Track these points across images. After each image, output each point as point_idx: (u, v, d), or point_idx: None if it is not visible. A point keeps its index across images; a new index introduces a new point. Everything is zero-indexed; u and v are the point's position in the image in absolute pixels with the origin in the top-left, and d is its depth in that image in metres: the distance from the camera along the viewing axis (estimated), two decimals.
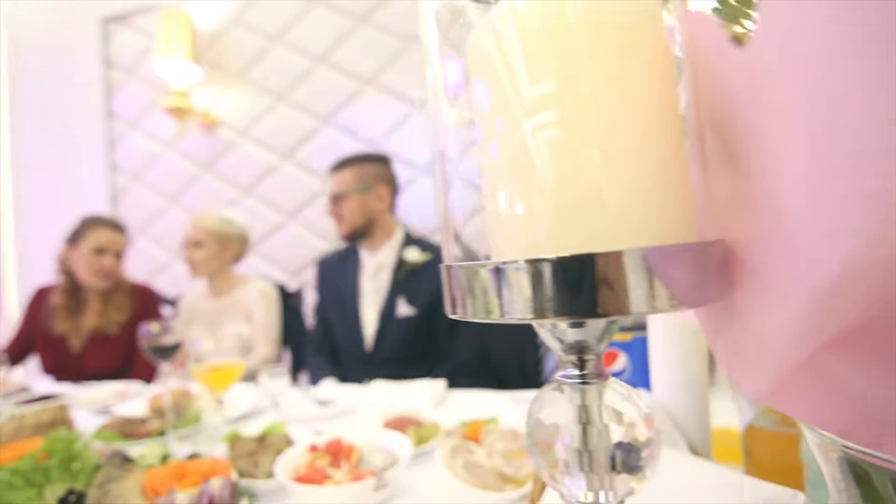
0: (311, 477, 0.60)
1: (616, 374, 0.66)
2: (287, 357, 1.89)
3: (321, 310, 1.67)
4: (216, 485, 0.54)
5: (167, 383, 0.88)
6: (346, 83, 2.35)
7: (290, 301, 1.89)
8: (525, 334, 1.35)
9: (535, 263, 0.18)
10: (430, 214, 2.16)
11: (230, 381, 0.82)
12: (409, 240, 1.57)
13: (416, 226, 2.21)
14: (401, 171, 2.25)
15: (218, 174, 2.54)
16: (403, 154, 2.26)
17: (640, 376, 0.63)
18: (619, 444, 0.22)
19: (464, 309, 0.21)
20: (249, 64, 2.49)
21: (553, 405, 0.23)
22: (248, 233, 1.84)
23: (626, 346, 0.64)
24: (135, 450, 0.73)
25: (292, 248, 2.45)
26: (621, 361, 0.64)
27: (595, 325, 0.22)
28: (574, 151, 0.19)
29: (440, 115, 0.24)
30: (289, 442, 0.75)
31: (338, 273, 1.63)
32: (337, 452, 0.67)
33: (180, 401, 0.98)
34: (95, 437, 0.81)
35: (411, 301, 1.46)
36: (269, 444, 0.74)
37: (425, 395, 0.95)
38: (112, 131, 2.71)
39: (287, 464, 0.63)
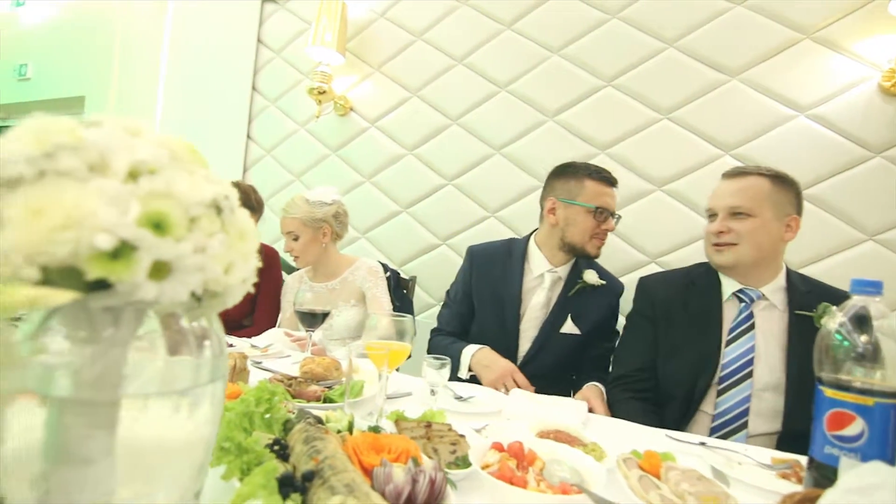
0: (508, 477, 0.58)
1: (850, 440, 0.59)
2: None
3: (466, 298, 1.60)
4: (430, 466, 0.54)
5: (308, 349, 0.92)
6: (481, 86, 2.36)
7: (402, 286, 1.93)
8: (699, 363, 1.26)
9: None
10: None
11: (398, 361, 0.84)
12: (585, 261, 1.55)
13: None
14: (524, 181, 2.25)
15: (344, 157, 2.65)
16: (528, 163, 2.25)
17: (878, 447, 0.57)
18: None
19: None
20: (390, 56, 2.58)
21: None
22: (342, 207, 1.82)
23: (864, 410, 0.57)
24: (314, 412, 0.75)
25: (401, 239, 2.50)
26: (857, 426, 0.57)
27: None
28: None
29: None
30: (457, 434, 0.74)
31: (498, 272, 1.56)
32: (520, 456, 0.65)
33: (329, 369, 1.02)
34: None
35: (577, 320, 1.45)
36: (438, 433, 0.74)
37: (574, 413, 0.92)
38: (253, 105, 2.91)
39: (475, 458, 0.63)
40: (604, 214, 1.47)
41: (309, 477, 0.53)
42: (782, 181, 1.25)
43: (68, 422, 0.33)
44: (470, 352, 1.39)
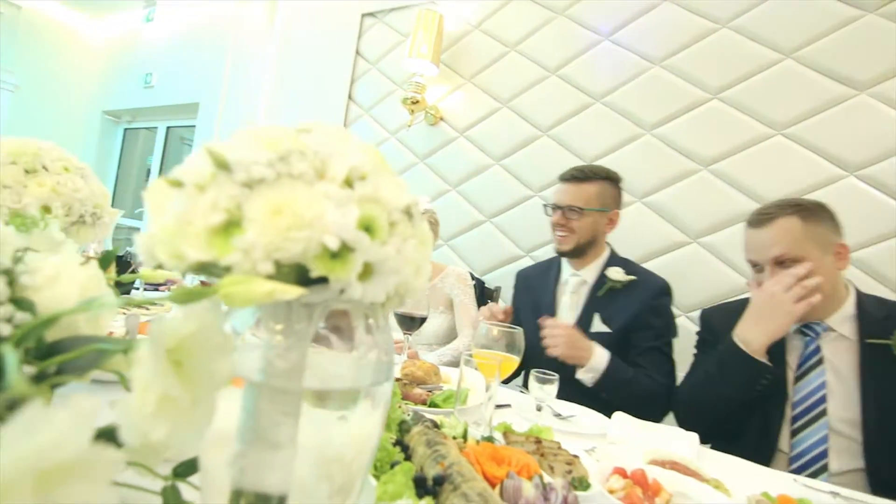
0: None
1: None
2: None
3: (514, 318, 1.65)
4: (560, 485, 0.52)
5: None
6: (574, 97, 2.32)
7: (487, 296, 1.93)
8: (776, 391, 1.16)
9: None
10: (634, 241, 2.03)
11: (506, 372, 0.83)
12: (614, 259, 1.55)
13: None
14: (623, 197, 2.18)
15: (431, 165, 2.70)
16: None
17: None
18: None
19: None
20: (482, 67, 2.60)
21: None
22: (433, 216, 1.84)
23: None
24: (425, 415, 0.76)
25: (485, 248, 2.50)
26: None
27: None
28: None
29: None
30: (570, 454, 0.72)
31: (537, 283, 1.65)
32: (644, 485, 0.62)
33: (429, 373, 1.03)
34: None
35: (606, 320, 1.44)
36: (550, 450, 0.73)
37: (687, 444, 0.87)
38: (349, 114, 3.05)
39: (596, 481, 0.60)
40: (549, 208, 1.56)
41: (439, 481, 0.53)
42: (810, 212, 1.15)
43: (262, 407, 0.35)
44: None
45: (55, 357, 0.35)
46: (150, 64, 4.14)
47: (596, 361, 1.30)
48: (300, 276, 0.30)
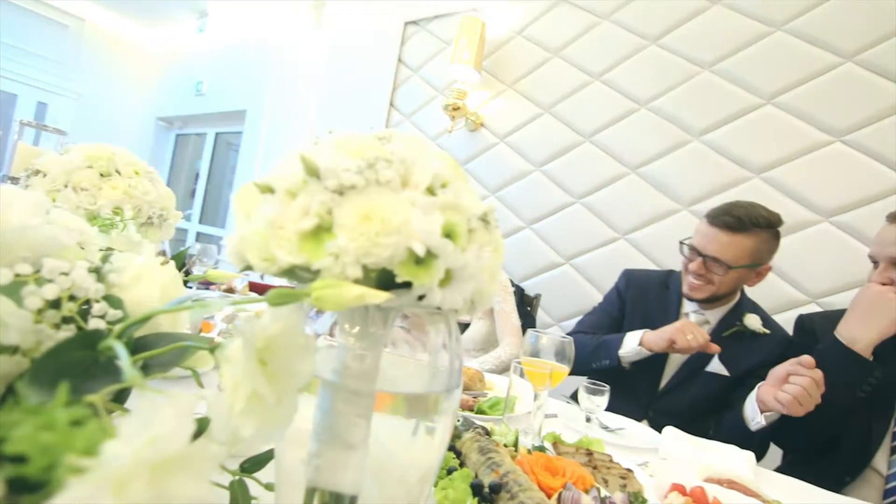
0: None
1: None
2: None
3: (618, 316, 1.52)
4: (620, 499, 0.51)
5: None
6: (619, 103, 2.29)
7: (526, 303, 1.91)
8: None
9: None
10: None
11: (555, 382, 0.82)
12: (746, 304, 1.40)
13: (662, 259, 2.07)
14: (660, 203, 2.13)
15: (471, 171, 2.71)
16: (667, 184, 2.12)
17: None
18: None
19: None
20: (524, 73, 2.59)
21: None
22: None
23: None
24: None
25: (523, 255, 2.49)
26: None
27: None
28: None
29: None
30: (623, 467, 0.70)
31: (653, 298, 1.48)
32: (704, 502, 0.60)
33: (474, 380, 1.03)
34: None
35: (726, 361, 1.30)
36: (602, 463, 0.71)
37: (745, 463, 0.84)
38: (389, 119, 3.10)
39: (653, 497, 0.59)
40: (686, 248, 1.36)
41: (496, 489, 0.53)
42: None
43: (339, 408, 0.36)
44: (638, 332, 1.33)
45: (143, 353, 0.37)
46: (201, 73, 4.32)
47: None
48: (383, 281, 0.30)
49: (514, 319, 1.66)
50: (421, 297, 0.32)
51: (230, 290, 1.35)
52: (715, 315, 1.40)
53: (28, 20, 4.11)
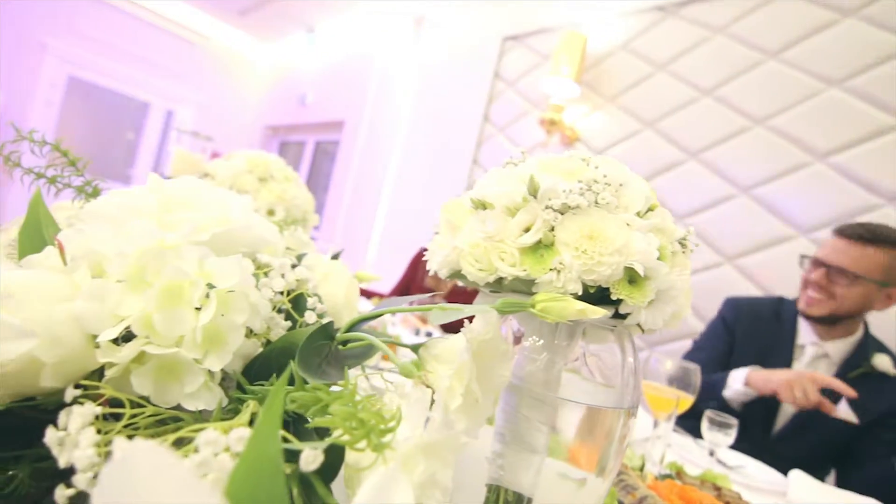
0: None
1: None
2: None
3: (726, 349, 1.43)
4: None
5: None
6: (730, 120, 2.17)
7: None
8: None
9: None
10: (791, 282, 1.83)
11: (681, 409, 0.80)
12: (874, 343, 1.29)
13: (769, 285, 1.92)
14: (773, 228, 1.99)
15: None
16: (781, 208, 1.98)
17: None
18: None
19: None
20: (626, 88, 2.54)
21: None
22: None
23: None
24: None
25: None
26: None
27: None
28: None
29: None
30: None
31: (766, 329, 1.38)
32: None
33: None
34: None
35: (856, 406, 1.19)
36: (732, 499, 0.68)
37: None
38: (483, 133, 3.15)
39: None
40: (809, 261, 1.29)
41: None
42: None
43: (523, 413, 0.38)
44: (743, 370, 1.24)
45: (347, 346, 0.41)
46: (306, 85, 4.63)
47: None
48: (595, 297, 0.32)
49: None
50: (621, 316, 0.34)
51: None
52: (836, 349, 1.27)
53: (161, 37, 4.64)
